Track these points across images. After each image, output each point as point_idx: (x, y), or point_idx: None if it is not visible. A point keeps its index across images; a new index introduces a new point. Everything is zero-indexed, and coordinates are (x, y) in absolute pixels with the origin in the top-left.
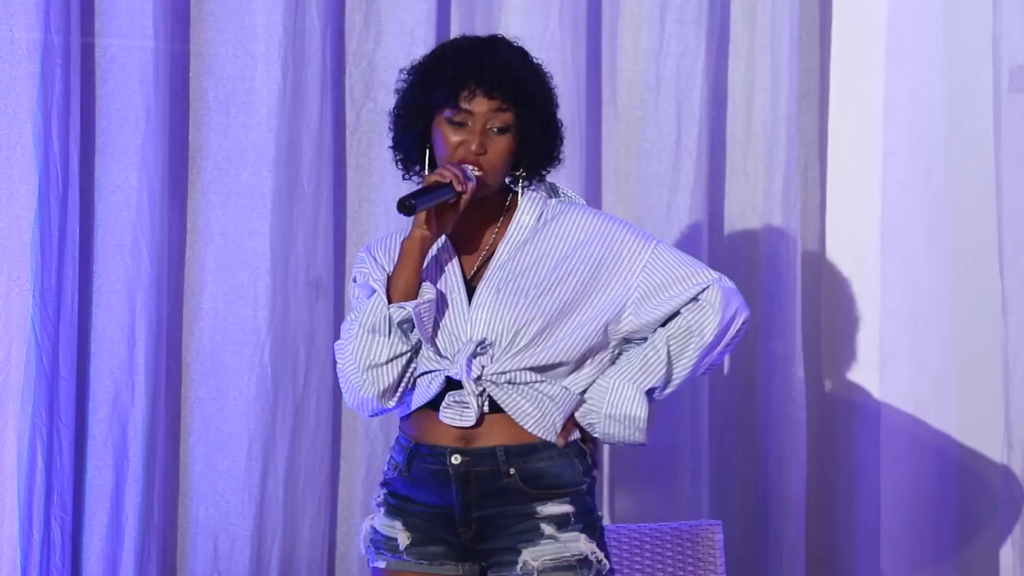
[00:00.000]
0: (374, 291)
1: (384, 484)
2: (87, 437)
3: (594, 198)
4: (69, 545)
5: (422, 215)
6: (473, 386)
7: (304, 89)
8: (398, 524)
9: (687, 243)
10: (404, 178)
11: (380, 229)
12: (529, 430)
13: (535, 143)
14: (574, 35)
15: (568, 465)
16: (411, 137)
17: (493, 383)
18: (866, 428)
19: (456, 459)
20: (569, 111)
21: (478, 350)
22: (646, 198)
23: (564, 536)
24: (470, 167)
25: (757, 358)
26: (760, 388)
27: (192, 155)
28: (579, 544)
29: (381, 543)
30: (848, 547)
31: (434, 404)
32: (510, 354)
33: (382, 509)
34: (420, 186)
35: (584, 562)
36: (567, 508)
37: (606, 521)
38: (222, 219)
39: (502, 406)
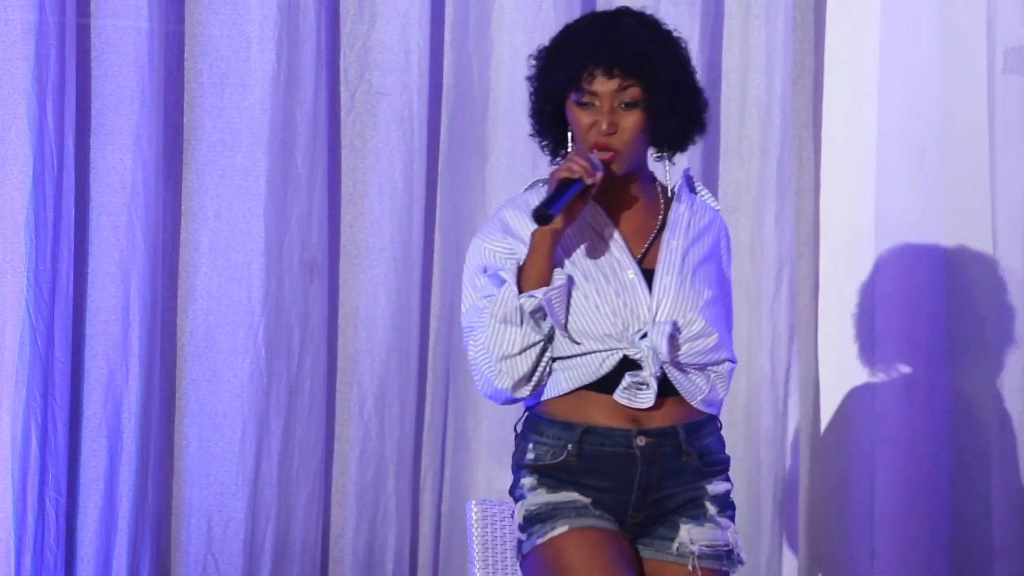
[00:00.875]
0: (504, 281)
1: (535, 470)
2: (81, 418)
3: None
4: (63, 526)
5: None
6: (656, 368)
7: (298, 70)
8: (573, 492)
9: None
10: (551, 163)
11: (374, 211)
12: (698, 407)
13: (666, 115)
14: (568, 15)
15: (721, 440)
16: (544, 122)
17: (676, 366)
18: (860, 409)
19: (642, 440)
20: None
21: (672, 331)
22: None
23: (722, 521)
24: (596, 154)
25: (751, 339)
26: (755, 371)
27: (186, 136)
28: (728, 534)
29: (549, 513)
30: (841, 529)
31: (599, 386)
32: (693, 343)
33: (541, 488)
34: (551, 187)
35: (729, 553)
36: (727, 485)
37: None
38: (216, 200)
39: (677, 387)
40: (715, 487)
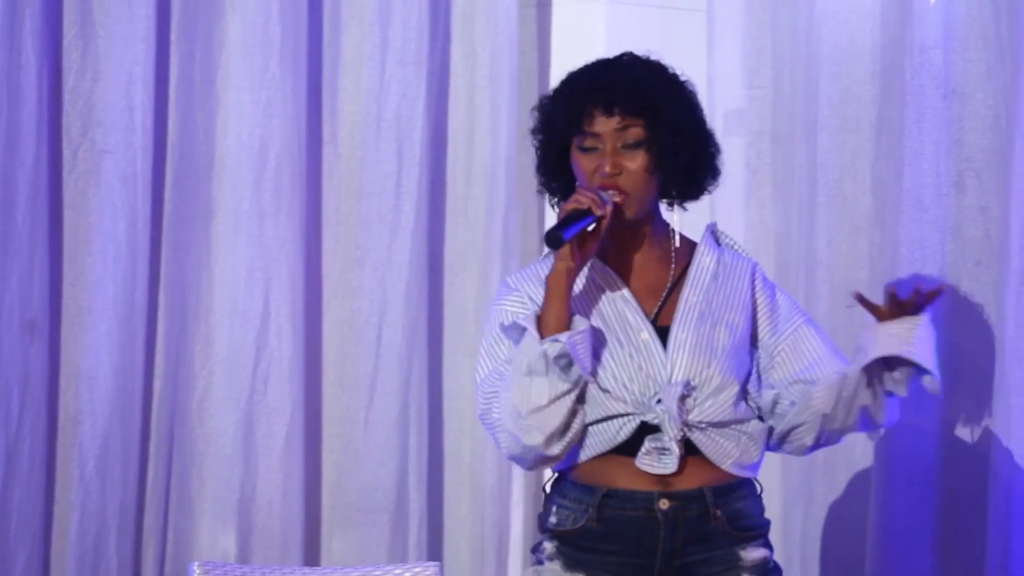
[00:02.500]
0: (523, 333)
1: (554, 536)
2: None
3: (314, 239)
4: None
5: (565, 248)
6: (678, 432)
7: (19, 127)
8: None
9: (409, 286)
10: (554, 207)
11: (97, 270)
12: (728, 470)
13: (672, 155)
14: (295, 75)
15: (757, 503)
16: (548, 173)
17: (697, 428)
18: None
19: (664, 504)
20: (290, 152)
21: (684, 391)
22: (366, 239)
23: None
24: (608, 192)
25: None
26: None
27: None
28: None
29: None
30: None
31: (620, 449)
32: (717, 402)
33: (557, 561)
34: (560, 217)
35: None
36: (764, 552)
37: (327, 563)
38: None
39: (702, 449)
40: (750, 554)
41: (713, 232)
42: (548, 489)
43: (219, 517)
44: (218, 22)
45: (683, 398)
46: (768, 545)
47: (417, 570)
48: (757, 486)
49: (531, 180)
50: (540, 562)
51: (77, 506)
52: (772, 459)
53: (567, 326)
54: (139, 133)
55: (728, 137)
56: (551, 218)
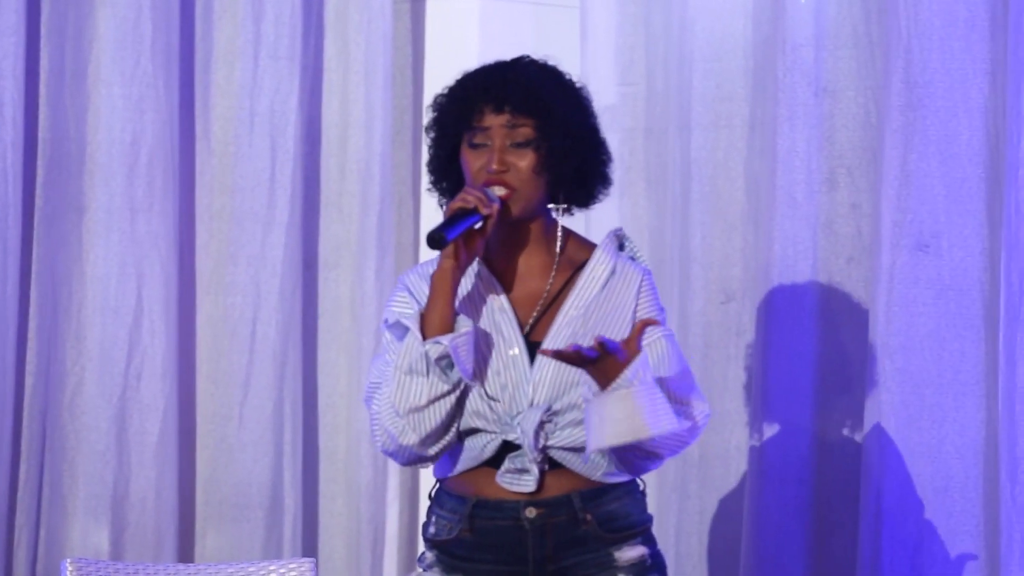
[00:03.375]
0: (407, 331)
1: (434, 545)
2: None
3: (188, 235)
4: None
5: (450, 246)
6: (537, 455)
7: None
8: None
9: (283, 282)
10: (441, 207)
11: None
12: (600, 480)
13: (561, 156)
14: (167, 70)
15: (635, 503)
16: (439, 168)
17: (559, 449)
18: None
19: (531, 512)
20: (162, 147)
21: (544, 418)
22: (240, 234)
23: None
24: (494, 188)
25: (352, 396)
26: (359, 426)
27: None
28: None
29: None
30: None
31: (487, 462)
32: (579, 429)
33: (436, 568)
34: (445, 216)
35: None
36: (642, 550)
37: (201, 559)
38: None
39: (568, 466)
40: (626, 553)
41: (618, 237)
42: (430, 497)
43: (92, 514)
44: (89, 16)
45: (543, 424)
46: (648, 541)
47: (292, 567)
48: (639, 484)
49: (406, 176)
50: (424, 569)
51: None
52: None
53: (451, 326)
54: (9, 128)
55: (605, 134)
56: (427, 214)
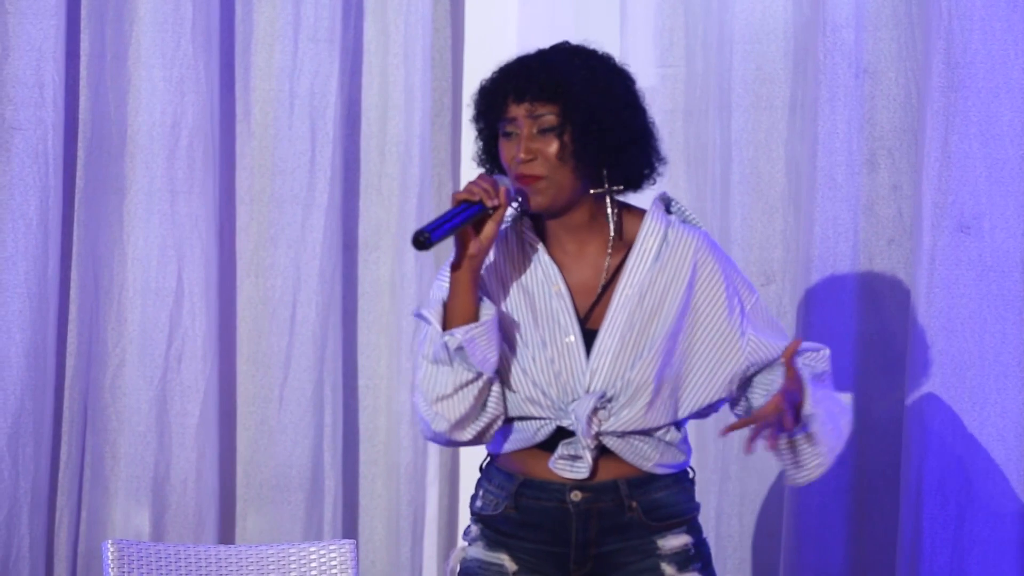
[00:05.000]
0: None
1: (479, 519)
2: None
3: (228, 217)
4: None
5: (466, 234)
6: (590, 441)
7: None
8: (504, 556)
9: (323, 265)
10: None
11: (8, 248)
12: (649, 471)
13: (588, 140)
14: (207, 51)
15: (683, 492)
16: (484, 160)
17: (612, 435)
18: None
19: (576, 496)
20: (202, 129)
21: (598, 404)
22: (280, 216)
23: None
24: (506, 178)
25: (391, 377)
26: (395, 409)
27: None
28: None
29: (481, 571)
30: None
31: (540, 445)
32: (633, 410)
33: (480, 542)
34: (452, 203)
35: None
36: (686, 539)
37: (241, 541)
38: None
39: (619, 454)
40: (669, 542)
41: (663, 200)
42: (481, 470)
43: (133, 495)
44: None
45: (596, 410)
46: (693, 531)
47: (332, 548)
48: (689, 472)
49: (445, 158)
50: (467, 542)
51: None
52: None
53: (472, 315)
54: (50, 110)
55: None
56: None
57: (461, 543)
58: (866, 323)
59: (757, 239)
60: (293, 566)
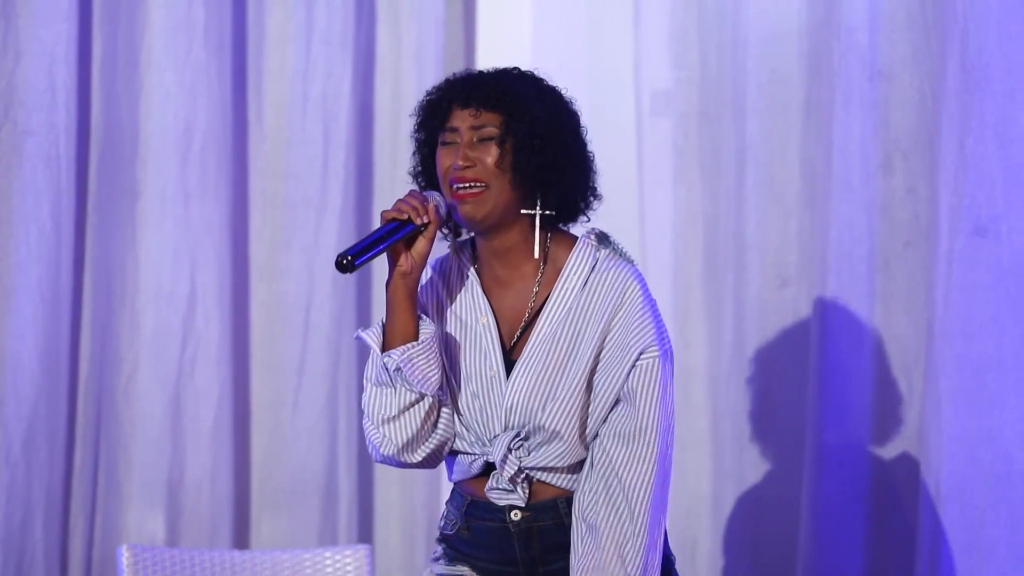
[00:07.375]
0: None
1: (442, 540)
2: None
3: (241, 221)
4: None
5: (399, 252)
6: (507, 479)
7: None
8: (465, 569)
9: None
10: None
11: (21, 252)
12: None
13: (527, 153)
14: (219, 56)
15: None
16: (423, 172)
17: (535, 469)
18: None
19: (516, 515)
20: (215, 133)
21: (513, 444)
22: (293, 221)
23: None
24: (437, 194)
25: None
26: None
27: None
28: None
29: None
30: None
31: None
32: (551, 448)
33: (443, 560)
34: (382, 222)
35: None
36: None
37: (256, 546)
38: None
39: (550, 482)
40: None
41: (597, 235)
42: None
43: (147, 500)
44: (141, 2)
45: (510, 449)
46: None
47: (347, 553)
48: None
49: None
50: (433, 560)
51: (3, 489)
52: (701, 440)
53: (412, 334)
54: (62, 114)
55: (655, 119)
56: None
57: (429, 568)
58: (882, 326)
59: (773, 242)
60: (308, 571)
